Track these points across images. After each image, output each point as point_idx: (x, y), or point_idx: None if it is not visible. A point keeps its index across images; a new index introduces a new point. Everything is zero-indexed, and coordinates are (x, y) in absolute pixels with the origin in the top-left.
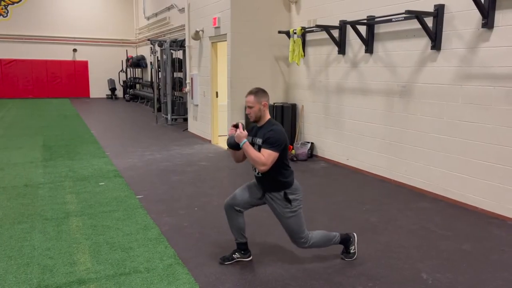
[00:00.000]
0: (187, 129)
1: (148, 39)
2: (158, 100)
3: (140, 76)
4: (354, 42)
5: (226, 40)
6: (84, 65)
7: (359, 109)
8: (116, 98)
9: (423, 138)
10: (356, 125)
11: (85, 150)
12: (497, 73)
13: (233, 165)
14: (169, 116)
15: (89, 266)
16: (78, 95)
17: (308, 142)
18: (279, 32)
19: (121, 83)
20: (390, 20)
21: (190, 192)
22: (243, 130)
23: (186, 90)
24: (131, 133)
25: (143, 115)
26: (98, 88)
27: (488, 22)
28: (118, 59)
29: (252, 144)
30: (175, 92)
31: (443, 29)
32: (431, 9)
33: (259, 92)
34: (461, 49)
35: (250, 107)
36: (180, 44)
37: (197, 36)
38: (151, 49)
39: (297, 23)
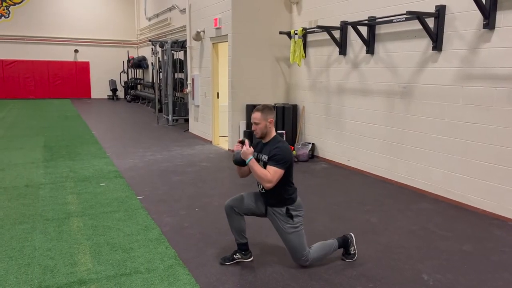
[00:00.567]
0: (188, 129)
1: (149, 40)
2: (159, 101)
3: (141, 77)
4: (355, 43)
5: (227, 41)
6: (85, 66)
7: (360, 109)
8: (117, 99)
9: (424, 138)
10: (357, 126)
11: (86, 151)
12: (499, 74)
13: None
14: (170, 117)
15: (90, 266)
16: (79, 95)
17: (309, 143)
18: (280, 33)
19: (122, 84)
20: (391, 21)
21: (190, 192)
22: (249, 147)
23: (187, 91)
24: (132, 134)
25: (144, 115)
26: (99, 89)
27: (489, 22)
28: (119, 60)
29: (258, 160)
30: (176, 93)
31: (444, 30)
32: (432, 9)
33: (265, 109)
34: (462, 49)
35: (256, 124)
36: (181, 45)
37: (198, 37)
38: (152, 50)
39: (298, 23)
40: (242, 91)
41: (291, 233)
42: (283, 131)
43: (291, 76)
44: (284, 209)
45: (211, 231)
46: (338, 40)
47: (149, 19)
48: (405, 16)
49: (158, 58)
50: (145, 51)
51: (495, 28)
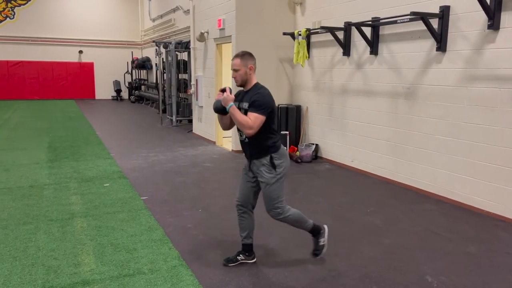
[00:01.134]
0: (191, 130)
1: (153, 41)
2: (163, 101)
3: (145, 78)
4: (358, 43)
5: (230, 42)
6: (89, 67)
7: (363, 110)
8: (122, 99)
9: (428, 140)
10: (361, 127)
11: (90, 151)
12: (503, 75)
13: (237, 166)
14: (174, 118)
15: (93, 267)
16: (83, 96)
17: (313, 144)
18: (284, 33)
19: (127, 84)
20: (395, 22)
21: (194, 193)
22: (230, 94)
23: (190, 91)
24: (136, 135)
25: (148, 116)
26: (103, 90)
27: (494, 23)
28: (124, 61)
29: (239, 109)
30: (180, 94)
31: (449, 31)
32: (436, 10)
33: (245, 55)
34: (467, 50)
35: (236, 70)
36: (185, 46)
37: (202, 37)
38: (156, 51)
39: (302, 24)
40: None
41: (272, 184)
42: (287, 132)
43: (295, 77)
44: (268, 158)
45: (215, 232)
46: (342, 41)
47: (153, 20)
48: (409, 16)
49: (162, 59)
50: (149, 52)
51: (500, 29)
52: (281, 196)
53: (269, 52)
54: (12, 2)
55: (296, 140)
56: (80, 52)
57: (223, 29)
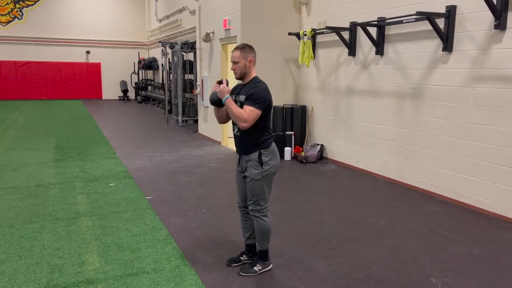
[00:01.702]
0: (197, 130)
1: (160, 41)
2: (169, 102)
3: (152, 78)
4: (364, 43)
5: (236, 42)
6: (97, 67)
7: (369, 111)
8: (128, 99)
9: (434, 140)
10: (366, 127)
11: (96, 151)
12: (510, 75)
13: None
14: (179, 118)
15: (97, 266)
16: (90, 96)
17: (318, 144)
18: (289, 34)
19: (133, 85)
20: (401, 22)
21: (198, 193)
22: (227, 86)
23: (196, 92)
24: (142, 135)
25: (154, 116)
26: (110, 90)
27: (500, 23)
28: (130, 61)
29: (235, 101)
30: (186, 94)
31: (455, 31)
32: (442, 10)
33: (245, 48)
34: (473, 50)
35: (235, 63)
36: (191, 46)
37: (207, 38)
38: (162, 51)
39: (308, 25)
40: None
41: (257, 180)
42: (292, 132)
43: (300, 77)
44: (257, 154)
45: (218, 232)
46: (347, 41)
47: (160, 21)
48: (415, 16)
49: (168, 59)
50: (156, 53)
51: (507, 29)
52: (265, 194)
53: (275, 52)
54: (20, 2)
55: (301, 140)
56: (87, 52)
57: (228, 29)
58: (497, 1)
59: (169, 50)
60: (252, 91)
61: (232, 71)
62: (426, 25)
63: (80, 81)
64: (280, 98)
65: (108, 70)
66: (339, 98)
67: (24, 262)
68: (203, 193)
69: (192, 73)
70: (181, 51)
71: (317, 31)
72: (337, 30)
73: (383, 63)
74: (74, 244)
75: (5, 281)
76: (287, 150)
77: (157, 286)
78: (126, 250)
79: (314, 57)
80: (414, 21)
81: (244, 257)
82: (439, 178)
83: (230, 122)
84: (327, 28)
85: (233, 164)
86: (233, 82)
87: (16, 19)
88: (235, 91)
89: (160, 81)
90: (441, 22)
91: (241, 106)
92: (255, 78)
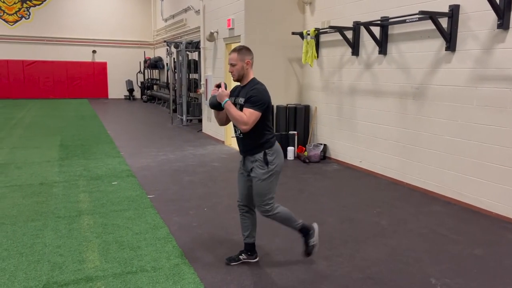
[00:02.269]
0: (201, 130)
1: (164, 41)
2: (174, 101)
3: (157, 77)
4: (367, 43)
5: (240, 42)
6: (103, 66)
7: (372, 111)
8: (134, 99)
9: (437, 140)
10: (370, 127)
11: (100, 150)
12: None
13: None
14: (184, 117)
15: (97, 264)
16: (96, 95)
17: (321, 144)
18: (293, 33)
19: (139, 84)
20: (404, 21)
21: (201, 192)
22: (225, 90)
23: (200, 91)
24: (147, 134)
25: (159, 116)
26: (116, 89)
27: (503, 23)
28: (136, 61)
29: (234, 104)
30: (191, 93)
31: (458, 30)
32: (445, 9)
33: (242, 50)
34: (476, 50)
35: (233, 65)
36: (195, 46)
37: (211, 37)
38: (167, 51)
39: (311, 24)
40: None
41: (264, 180)
42: (295, 132)
43: (304, 77)
44: (262, 154)
45: (219, 231)
46: (351, 40)
47: (166, 20)
48: (417, 16)
49: (173, 58)
50: (162, 52)
51: (510, 28)
52: (272, 193)
53: (278, 51)
54: (28, 2)
55: (304, 140)
56: (94, 52)
57: (232, 28)
58: (500, 1)
59: (174, 50)
60: (251, 93)
61: (230, 73)
62: (429, 25)
63: (87, 80)
64: (283, 98)
65: (114, 70)
66: (342, 98)
67: (25, 259)
68: (205, 192)
69: (197, 73)
70: (186, 51)
71: (320, 31)
72: (340, 30)
73: (386, 62)
74: (75, 242)
75: (6, 278)
76: (290, 149)
77: (156, 284)
78: (126, 248)
79: (317, 57)
80: (417, 21)
81: (243, 256)
82: (442, 178)
83: (231, 124)
84: (331, 27)
85: (235, 163)
86: (231, 85)
87: (23, 19)
88: (234, 93)
89: (166, 81)
90: (444, 22)
91: (241, 109)
92: (253, 79)
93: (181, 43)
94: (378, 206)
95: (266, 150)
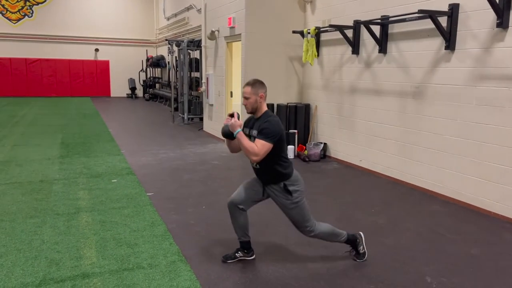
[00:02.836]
0: (202, 128)
1: (166, 39)
2: (175, 99)
3: (159, 76)
4: (368, 42)
5: (240, 40)
6: (105, 65)
7: (372, 110)
8: (136, 97)
9: (436, 140)
10: (369, 126)
11: (101, 148)
12: None
13: (244, 164)
14: (185, 116)
15: (94, 260)
16: (99, 94)
17: (321, 143)
18: (293, 32)
19: (141, 82)
20: (404, 20)
21: (199, 190)
22: (238, 120)
23: (201, 89)
24: (148, 132)
25: (160, 114)
26: (118, 87)
27: (503, 22)
28: (139, 59)
29: (249, 136)
30: (192, 92)
31: (458, 29)
32: (445, 8)
33: (256, 84)
34: (476, 49)
35: (247, 98)
36: (197, 44)
37: (212, 36)
38: (169, 49)
39: (312, 23)
40: None
41: (292, 209)
42: (295, 130)
43: (304, 76)
44: (281, 185)
45: (216, 229)
46: (351, 39)
47: (168, 19)
48: (417, 14)
49: (175, 57)
50: (164, 51)
51: (509, 27)
52: (306, 215)
53: (279, 50)
54: (31, 0)
55: (304, 138)
56: (96, 50)
57: (233, 27)
58: (499, 0)
59: (175, 48)
60: (264, 126)
61: (244, 105)
62: (428, 24)
63: (89, 78)
64: (284, 96)
65: (116, 68)
66: (343, 97)
67: (23, 255)
68: (204, 190)
69: (198, 71)
70: (187, 49)
71: (321, 29)
72: (340, 28)
73: (386, 61)
74: (73, 238)
75: (3, 274)
76: (290, 148)
77: (152, 281)
78: (123, 245)
79: (318, 55)
80: (417, 20)
81: (239, 253)
82: (441, 177)
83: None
84: (331, 26)
85: (235, 162)
86: (242, 113)
87: (26, 17)
88: (248, 124)
89: (167, 79)
90: (443, 21)
91: (254, 141)
92: (267, 112)
93: (183, 41)
94: (376, 205)
95: (285, 182)
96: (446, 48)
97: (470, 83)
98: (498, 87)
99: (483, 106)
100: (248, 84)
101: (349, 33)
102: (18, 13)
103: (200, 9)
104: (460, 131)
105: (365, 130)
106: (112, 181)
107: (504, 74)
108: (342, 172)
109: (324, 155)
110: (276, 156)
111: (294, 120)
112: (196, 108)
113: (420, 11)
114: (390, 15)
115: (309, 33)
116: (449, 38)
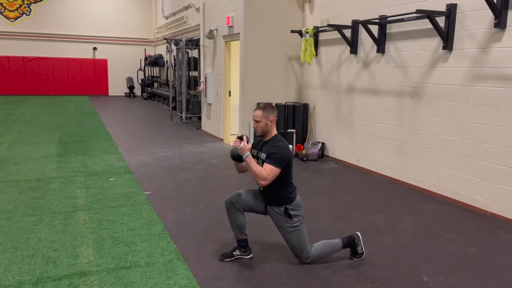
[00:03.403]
0: (200, 127)
1: (164, 38)
2: (174, 98)
3: (158, 75)
4: (366, 42)
5: (239, 39)
6: (103, 64)
7: (370, 109)
8: (134, 96)
9: (434, 139)
10: (367, 125)
11: (98, 147)
12: (509, 74)
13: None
14: (183, 115)
15: (91, 259)
16: (97, 92)
17: (319, 142)
18: (292, 31)
19: (139, 81)
20: (402, 20)
21: (197, 189)
22: (247, 143)
23: (200, 88)
24: (146, 131)
25: (159, 113)
26: (116, 86)
27: (500, 22)
28: (137, 58)
29: (257, 158)
30: (190, 91)
31: (455, 29)
32: (443, 8)
33: (267, 108)
34: (473, 49)
35: (257, 122)
36: (195, 43)
37: (211, 35)
38: (167, 48)
39: (311, 22)
40: (253, 89)
41: (290, 232)
42: (293, 130)
43: (303, 75)
44: (282, 209)
45: (214, 227)
46: (349, 39)
47: (166, 18)
48: (415, 15)
49: (174, 56)
50: (162, 49)
51: (507, 28)
52: (303, 241)
53: (277, 49)
54: None
55: (303, 138)
56: (94, 49)
57: (231, 26)
58: (497, 0)
59: (174, 47)
60: (273, 150)
61: (254, 128)
62: (426, 24)
63: (87, 77)
64: (282, 96)
65: (114, 67)
66: (341, 96)
67: (20, 254)
68: (202, 189)
69: (197, 70)
70: (186, 48)
71: (319, 29)
72: (339, 28)
73: (384, 61)
74: (70, 237)
75: (0, 272)
76: None
77: (149, 279)
78: (120, 243)
79: (316, 55)
80: (414, 19)
81: (237, 252)
82: (439, 177)
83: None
84: (329, 26)
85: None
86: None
87: (24, 15)
88: (256, 146)
89: (166, 78)
90: (441, 21)
91: (262, 164)
92: (276, 136)
93: (181, 40)
94: (374, 204)
95: (287, 206)
96: (444, 48)
97: (468, 83)
98: (495, 87)
99: (480, 106)
100: (259, 108)
101: (348, 32)
102: (16, 11)
103: (199, 8)
104: (457, 131)
105: (363, 130)
106: (110, 179)
107: (501, 74)
108: (340, 172)
109: (322, 155)
110: (282, 180)
111: (292, 119)
112: (194, 107)
113: (418, 11)
114: (388, 15)
115: (307, 32)
116: (447, 38)
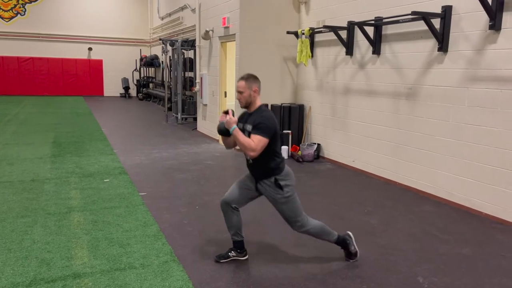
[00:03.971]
0: (196, 128)
1: (160, 39)
2: (169, 99)
3: (153, 76)
4: (361, 43)
5: (235, 40)
6: (98, 64)
7: (365, 110)
8: (130, 97)
9: (429, 140)
10: (363, 126)
11: (93, 147)
12: (504, 76)
13: (238, 164)
14: (179, 115)
15: (85, 260)
16: (92, 93)
17: (315, 143)
18: (288, 32)
19: (135, 82)
20: (397, 21)
21: (193, 190)
22: (233, 116)
23: (195, 89)
24: (141, 132)
25: (154, 114)
26: (112, 87)
27: (495, 24)
28: (132, 58)
29: (243, 130)
30: (186, 92)
31: (450, 31)
32: (438, 10)
33: (250, 78)
34: (468, 51)
35: (241, 93)
36: (191, 44)
37: (207, 36)
38: (163, 49)
39: (306, 23)
40: None
41: (283, 203)
42: (289, 131)
43: (299, 76)
44: (272, 180)
45: (209, 228)
46: (345, 40)
47: (162, 18)
48: (410, 16)
49: (169, 56)
50: (158, 50)
51: (501, 29)
52: (297, 210)
53: (273, 50)
54: None
55: (298, 139)
56: (90, 49)
57: (227, 27)
58: (492, 2)
59: (169, 48)
60: (259, 121)
61: (238, 100)
62: (422, 25)
63: (82, 77)
64: (278, 97)
65: (110, 67)
66: (336, 98)
67: (13, 255)
68: (197, 190)
69: (192, 71)
70: (182, 49)
71: (315, 30)
72: (334, 29)
73: (380, 62)
74: (64, 238)
75: None
76: (284, 149)
77: (144, 281)
78: (115, 245)
79: (312, 56)
80: (410, 21)
81: (232, 253)
82: (434, 178)
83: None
84: (325, 27)
85: (229, 161)
86: (237, 110)
87: (19, 15)
88: (242, 119)
89: (161, 79)
90: (436, 22)
91: (249, 135)
92: (261, 106)
93: (177, 41)
94: (369, 205)
95: (276, 176)
96: (439, 49)
97: (463, 85)
98: (490, 88)
99: (475, 108)
100: (242, 78)
101: (343, 34)
102: (10, 11)
103: (195, 9)
104: (452, 132)
105: (358, 131)
106: (105, 180)
107: (496, 76)
108: (335, 173)
109: (317, 156)
110: (270, 151)
111: (288, 120)
112: (190, 108)
113: (413, 13)
114: (384, 16)
115: (303, 33)
116: (442, 39)
